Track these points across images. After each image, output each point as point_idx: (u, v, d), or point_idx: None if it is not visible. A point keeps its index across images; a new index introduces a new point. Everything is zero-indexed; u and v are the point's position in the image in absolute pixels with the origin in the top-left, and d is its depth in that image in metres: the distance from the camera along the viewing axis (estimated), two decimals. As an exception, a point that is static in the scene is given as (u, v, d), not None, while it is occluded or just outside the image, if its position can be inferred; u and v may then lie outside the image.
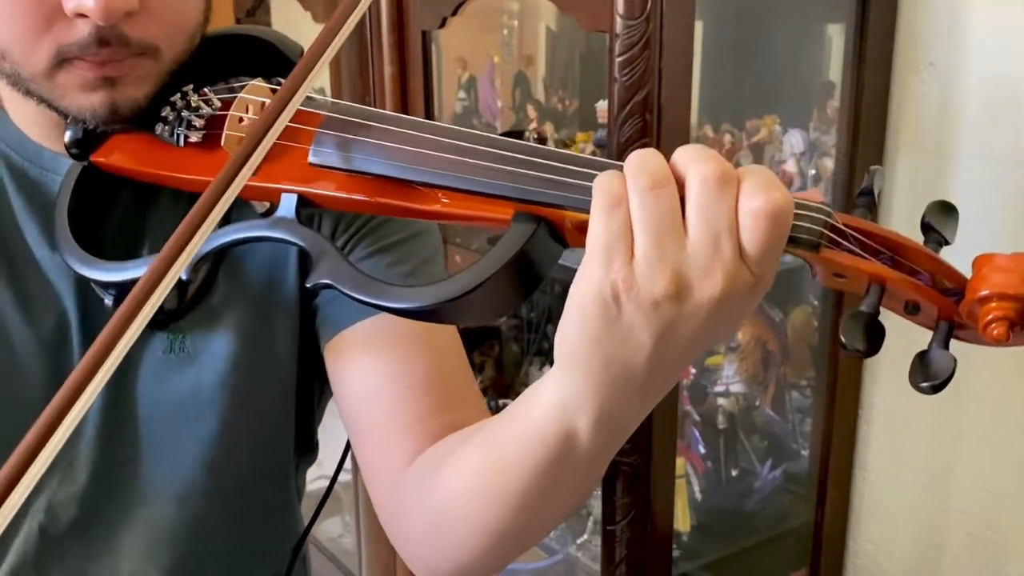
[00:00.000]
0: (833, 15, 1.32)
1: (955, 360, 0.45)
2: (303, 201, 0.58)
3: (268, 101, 0.64)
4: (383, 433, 0.69)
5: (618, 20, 0.94)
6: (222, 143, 0.63)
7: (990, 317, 0.45)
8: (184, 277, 0.57)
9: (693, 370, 1.44)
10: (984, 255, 0.47)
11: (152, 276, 0.47)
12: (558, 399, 0.52)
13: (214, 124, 0.64)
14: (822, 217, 0.47)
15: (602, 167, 0.49)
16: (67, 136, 0.65)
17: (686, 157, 0.46)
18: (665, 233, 0.45)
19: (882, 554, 1.40)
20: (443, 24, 1.27)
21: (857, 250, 0.47)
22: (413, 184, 0.55)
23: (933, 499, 1.31)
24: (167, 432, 0.72)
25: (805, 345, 1.50)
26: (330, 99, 0.61)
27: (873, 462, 1.37)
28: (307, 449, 0.84)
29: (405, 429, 0.68)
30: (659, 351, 0.47)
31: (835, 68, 1.32)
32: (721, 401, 1.46)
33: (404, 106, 1.37)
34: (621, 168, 0.47)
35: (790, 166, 1.37)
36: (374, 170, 0.56)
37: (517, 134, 1.53)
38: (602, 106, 1.30)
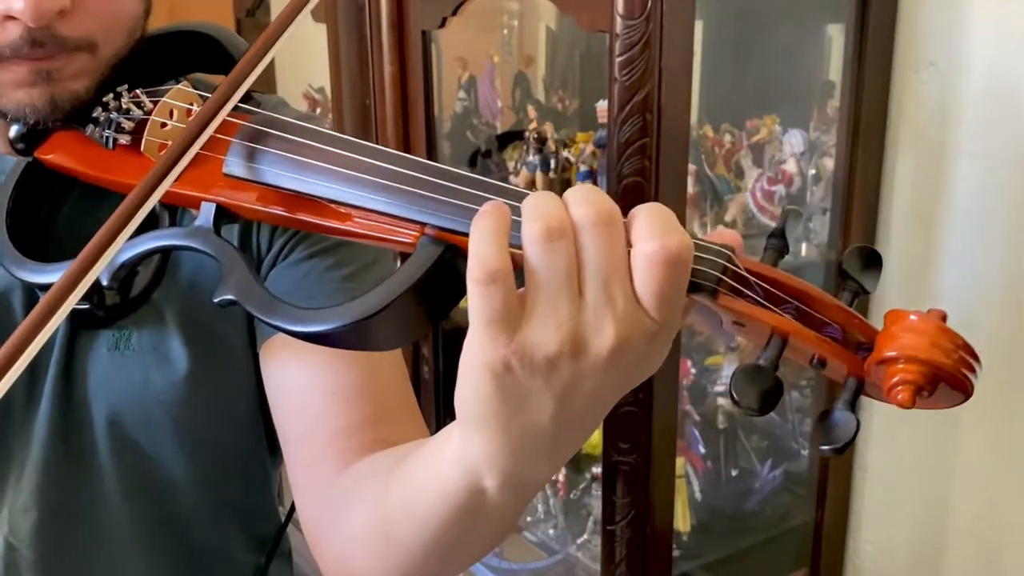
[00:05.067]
0: (833, 15, 1.32)
1: (858, 423, 0.42)
2: (221, 211, 0.57)
3: (193, 106, 0.63)
4: (308, 443, 0.67)
5: (618, 20, 0.94)
6: (142, 148, 0.62)
7: (896, 379, 0.42)
8: (105, 283, 0.57)
9: (693, 370, 1.44)
10: (896, 311, 0.43)
11: (63, 283, 0.47)
12: (463, 459, 0.49)
13: (143, 127, 0.62)
14: (720, 262, 0.44)
15: (518, 197, 0.46)
16: (13, 131, 0.64)
17: (571, 196, 0.43)
18: (560, 293, 0.42)
19: (882, 554, 1.40)
20: (443, 24, 1.27)
21: (759, 299, 0.44)
22: (325, 201, 0.54)
23: (933, 499, 1.31)
24: (120, 432, 0.70)
25: (805, 345, 1.50)
26: (258, 108, 0.60)
27: (873, 462, 1.37)
28: (274, 445, 0.82)
29: (330, 440, 0.66)
30: (562, 409, 0.44)
31: (835, 68, 1.32)
32: (721, 401, 1.46)
33: (404, 106, 1.37)
34: (518, 199, 0.44)
35: (790, 166, 1.37)
36: (283, 184, 0.55)
37: (517, 135, 1.54)
38: (602, 106, 1.30)
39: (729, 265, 0.44)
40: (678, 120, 0.99)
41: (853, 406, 0.44)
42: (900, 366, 0.42)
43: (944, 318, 0.43)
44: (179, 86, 0.64)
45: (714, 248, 0.44)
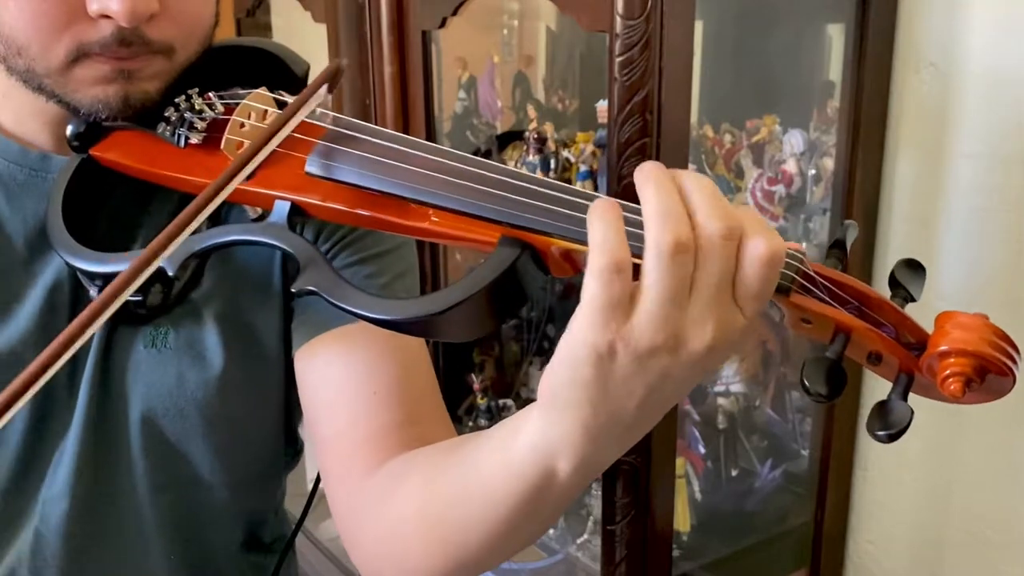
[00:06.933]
0: (833, 15, 1.32)
1: (912, 411, 0.47)
2: (295, 209, 0.59)
3: (270, 110, 0.66)
4: (344, 441, 0.69)
5: (618, 20, 0.94)
6: (221, 146, 0.64)
7: (947, 372, 0.46)
8: (171, 273, 0.59)
9: (693, 370, 1.43)
10: (947, 312, 0.48)
11: (135, 268, 0.49)
12: (542, 441, 0.51)
13: (214, 128, 0.65)
14: (795, 263, 0.48)
15: (591, 200, 0.50)
16: (70, 129, 0.67)
17: (698, 202, 0.45)
18: (675, 298, 0.45)
19: (882, 554, 1.40)
20: (443, 24, 1.27)
21: (826, 298, 0.48)
22: (405, 200, 0.56)
23: (933, 499, 1.31)
24: (152, 427, 0.71)
25: (805, 345, 1.50)
26: (332, 113, 0.63)
27: (873, 462, 1.37)
28: (291, 451, 0.84)
29: (366, 439, 0.68)
30: (649, 396, 0.48)
31: (835, 68, 1.32)
32: (721, 401, 1.46)
33: (404, 106, 1.37)
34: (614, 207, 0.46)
35: (790, 166, 1.37)
36: (368, 184, 0.57)
37: (517, 135, 1.53)
38: (602, 106, 1.30)
39: (802, 266, 0.48)
40: (678, 120, 0.99)
41: (905, 397, 0.48)
42: (952, 360, 0.46)
43: (987, 318, 0.47)
44: (258, 90, 0.67)
45: (789, 251, 0.48)
